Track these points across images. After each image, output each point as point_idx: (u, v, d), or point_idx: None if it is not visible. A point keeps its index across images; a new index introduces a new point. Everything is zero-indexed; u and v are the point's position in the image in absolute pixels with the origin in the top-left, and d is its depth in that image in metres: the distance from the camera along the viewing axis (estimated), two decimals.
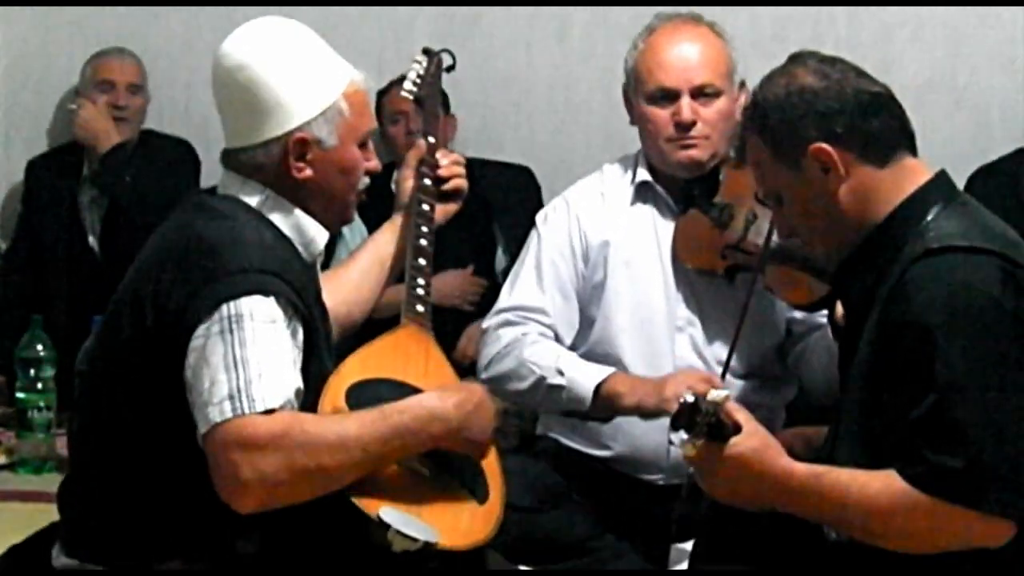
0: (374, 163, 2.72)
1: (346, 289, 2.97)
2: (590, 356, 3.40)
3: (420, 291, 2.91)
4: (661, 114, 3.38)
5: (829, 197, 2.57)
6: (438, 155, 3.13)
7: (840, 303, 2.86)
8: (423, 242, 2.99)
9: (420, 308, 2.89)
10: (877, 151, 2.56)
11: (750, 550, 2.68)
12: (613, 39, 5.02)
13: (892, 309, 2.48)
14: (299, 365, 2.49)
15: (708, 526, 2.81)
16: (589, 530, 3.31)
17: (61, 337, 4.30)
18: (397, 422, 2.50)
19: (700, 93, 3.36)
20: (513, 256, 4.66)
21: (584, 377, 3.27)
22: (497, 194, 4.88)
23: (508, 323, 3.43)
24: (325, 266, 2.87)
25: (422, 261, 2.96)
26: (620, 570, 3.26)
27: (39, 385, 4.18)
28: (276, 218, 2.62)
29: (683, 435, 2.53)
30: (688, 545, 2.98)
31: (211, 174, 4.77)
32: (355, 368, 2.66)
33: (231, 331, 2.42)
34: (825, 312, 3.15)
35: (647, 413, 3.22)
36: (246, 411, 2.36)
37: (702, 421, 2.48)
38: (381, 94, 4.76)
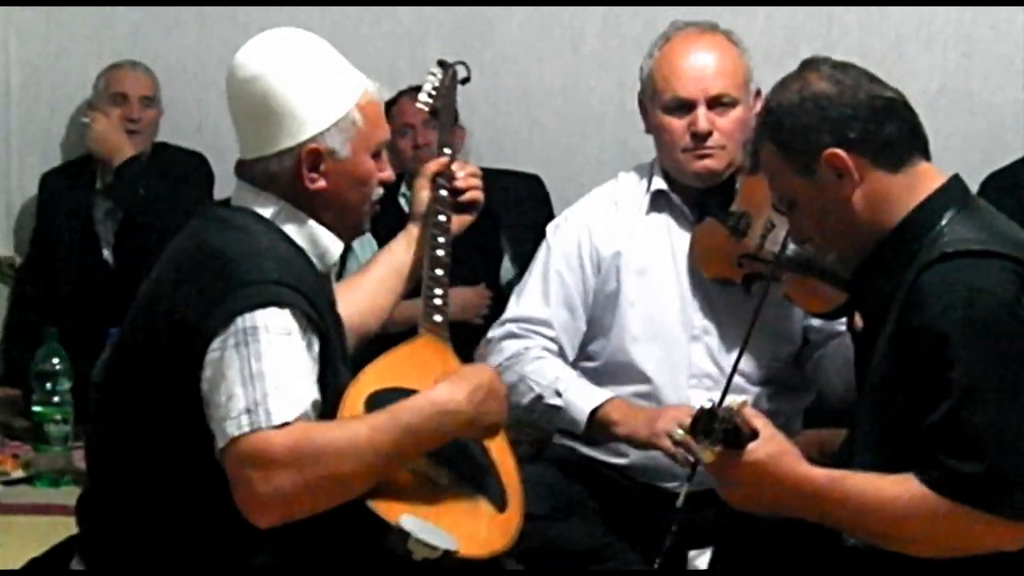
0: (388, 173, 2.72)
1: (360, 299, 2.97)
2: (608, 366, 3.41)
3: (438, 301, 2.91)
4: (677, 124, 3.37)
5: (843, 203, 2.57)
6: (455, 166, 3.14)
7: (857, 309, 2.86)
8: (440, 253, 2.99)
9: (437, 318, 2.88)
10: (891, 156, 2.56)
11: (768, 557, 2.68)
12: (625, 50, 5.04)
13: (908, 315, 2.48)
14: (315, 377, 2.49)
15: (725, 534, 2.81)
16: (604, 538, 3.30)
17: (76, 350, 4.30)
18: (407, 421, 2.49)
19: (716, 103, 3.36)
20: (520, 266, 4.67)
21: (580, 401, 3.29)
22: (505, 203, 4.87)
23: (512, 335, 3.44)
24: (336, 280, 2.87)
25: (439, 272, 2.96)
26: (635, 571, 3.25)
27: (55, 398, 4.18)
28: (290, 229, 2.62)
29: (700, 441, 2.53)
30: (706, 552, 2.98)
31: (224, 186, 4.79)
32: (372, 378, 2.66)
33: (246, 344, 2.41)
34: (843, 319, 3.15)
35: (638, 444, 3.24)
36: (263, 425, 2.36)
37: (719, 427, 2.48)
38: (389, 105, 4.75)
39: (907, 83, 2.68)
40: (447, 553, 2.44)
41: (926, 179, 2.58)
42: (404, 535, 2.43)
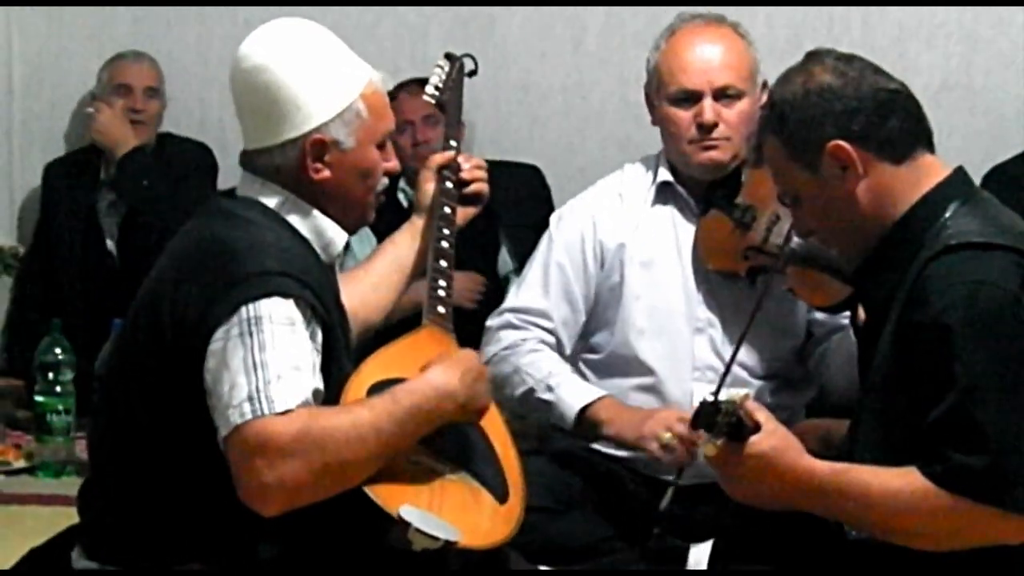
0: (393, 163, 2.72)
1: (363, 291, 2.97)
2: (611, 358, 3.41)
3: (442, 293, 2.91)
4: (683, 115, 3.37)
5: (847, 195, 2.57)
6: (460, 159, 3.14)
7: (860, 303, 2.86)
8: (445, 245, 3.00)
9: (442, 310, 2.88)
10: (895, 149, 2.56)
11: (770, 550, 2.68)
12: (628, 46, 5.05)
13: (911, 308, 2.48)
14: (318, 367, 2.49)
15: (726, 527, 2.81)
16: (606, 531, 3.31)
17: (80, 341, 4.32)
18: (408, 403, 2.49)
19: (722, 94, 3.36)
20: (518, 257, 4.67)
21: (571, 398, 3.29)
22: (502, 195, 4.86)
23: (510, 325, 3.45)
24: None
25: (444, 263, 2.96)
26: (639, 570, 3.26)
27: (58, 389, 4.20)
28: (294, 220, 2.62)
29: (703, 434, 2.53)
30: (707, 546, 2.98)
31: (227, 180, 4.79)
32: (375, 369, 2.66)
33: (250, 334, 2.41)
34: (847, 314, 3.15)
35: (625, 446, 3.25)
36: (265, 412, 2.36)
37: (722, 420, 2.48)
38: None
39: (909, 79, 2.67)
40: (448, 543, 2.44)
41: (930, 172, 2.58)
42: (405, 526, 2.42)
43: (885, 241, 2.58)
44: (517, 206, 4.94)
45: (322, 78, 2.60)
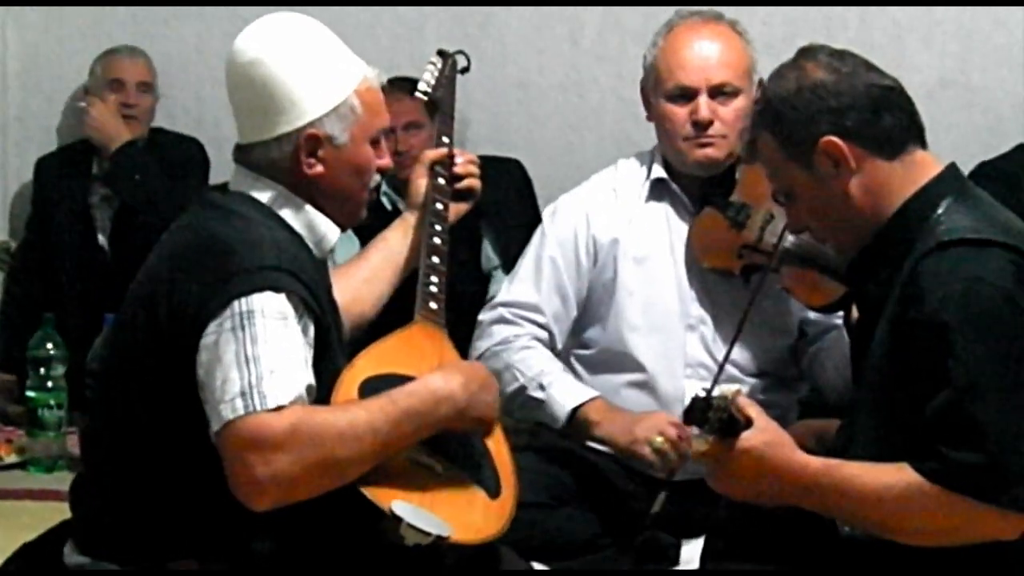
0: (387, 160, 2.72)
1: (356, 285, 2.97)
2: (603, 354, 3.41)
3: (434, 289, 2.91)
4: (679, 112, 3.38)
5: (840, 192, 2.57)
6: (455, 153, 3.14)
7: (854, 299, 2.86)
8: (437, 241, 3.00)
9: (434, 306, 2.89)
10: (888, 145, 2.56)
11: (762, 547, 2.67)
12: (625, 42, 5.04)
13: (906, 305, 2.47)
14: (311, 362, 2.48)
15: (718, 523, 2.81)
16: (598, 527, 3.31)
17: (72, 336, 4.32)
18: (406, 406, 2.50)
19: (719, 92, 3.37)
20: (501, 252, 4.65)
21: (563, 397, 3.29)
22: (484, 189, 4.84)
23: (502, 320, 3.44)
24: None
25: (436, 259, 2.97)
26: (631, 569, 3.26)
27: (50, 384, 4.19)
28: (287, 215, 2.62)
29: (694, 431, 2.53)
30: (699, 542, 2.98)
31: (220, 176, 4.79)
32: (367, 364, 2.66)
33: (243, 328, 2.41)
34: (841, 313, 3.15)
35: (616, 449, 3.25)
36: (257, 408, 2.36)
37: (714, 416, 2.48)
38: None
39: (906, 76, 2.67)
40: (439, 539, 2.44)
41: (923, 168, 2.58)
42: (397, 521, 2.43)
43: (878, 237, 2.58)
44: (499, 201, 4.90)
45: (317, 73, 2.60)
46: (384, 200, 4.71)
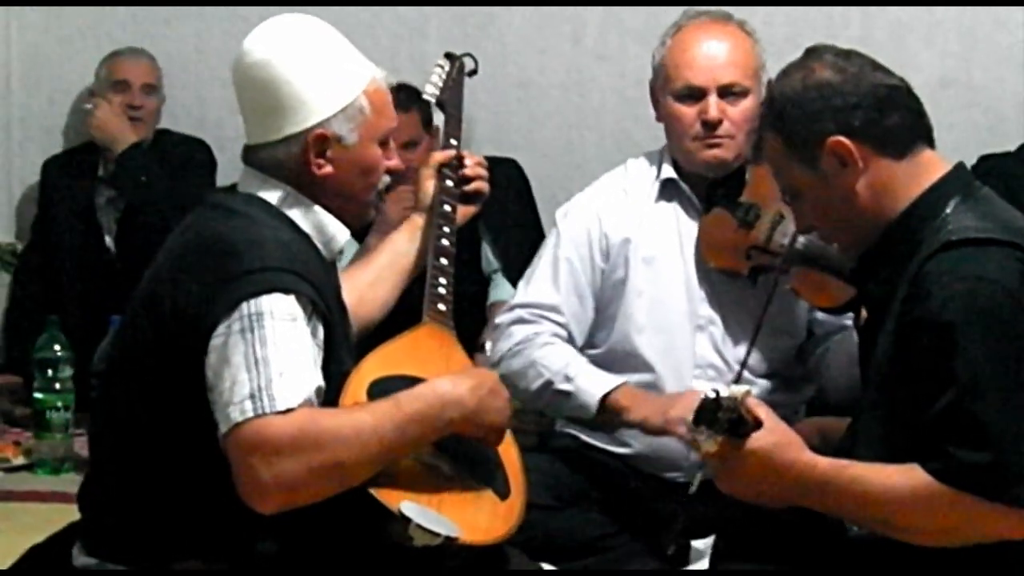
0: (395, 162, 2.72)
1: (363, 288, 2.98)
2: (611, 354, 3.41)
3: (442, 290, 2.92)
4: (688, 112, 3.37)
5: (847, 191, 2.57)
6: (463, 156, 3.15)
7: (860, 299, 2.86)
8: (445, 242, 3.01)
9: (442, 307, 2.89)
10: (895, 144, 2.56)
11: (770, 547, 2.67)
12: (627, 43, 5.05)
13: (911, 304, 2.47)
14: (320, 363, 2.49)
15: (728, 523, 2.81)
16: (607, 528, 3.31)
17: (78, 338, 4.32)
18: (412, 410, 2.49)
19: (727, 92, 3.36)
20: (501, 252, 4.65)
21: (591, 386, 3.27)
22: None
23: (521, 320, 3.43)
24: None
25: (444, 261, 2.97)
26: (641, 570, 3.26)
27: (56, 386, 4.20)
28: (296, 215, 2.62)
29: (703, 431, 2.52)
30: (708, 542, 2.98)
31: (226, 178, 4.79)
32: (375, 365, 2.66)
33: (251, 329, 2.41)
34: (850, 315, 3.15)
35: (651, 431, 3.23)
36: (266, 410, 2.35)
37: (723, 417, 2.47)
38: None
39: (908, 75, 2.66)
40: (448, 540, 2.44)
41: (930, 167, 2.58)
42: (405, 522, 2.43)
43: (885, 237, 2.58)
44: (497, 202, 4.90)
45: (325, 73, 2.60)
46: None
